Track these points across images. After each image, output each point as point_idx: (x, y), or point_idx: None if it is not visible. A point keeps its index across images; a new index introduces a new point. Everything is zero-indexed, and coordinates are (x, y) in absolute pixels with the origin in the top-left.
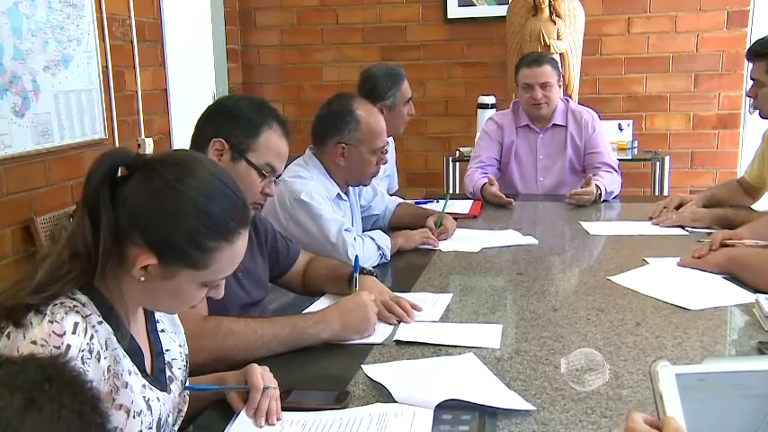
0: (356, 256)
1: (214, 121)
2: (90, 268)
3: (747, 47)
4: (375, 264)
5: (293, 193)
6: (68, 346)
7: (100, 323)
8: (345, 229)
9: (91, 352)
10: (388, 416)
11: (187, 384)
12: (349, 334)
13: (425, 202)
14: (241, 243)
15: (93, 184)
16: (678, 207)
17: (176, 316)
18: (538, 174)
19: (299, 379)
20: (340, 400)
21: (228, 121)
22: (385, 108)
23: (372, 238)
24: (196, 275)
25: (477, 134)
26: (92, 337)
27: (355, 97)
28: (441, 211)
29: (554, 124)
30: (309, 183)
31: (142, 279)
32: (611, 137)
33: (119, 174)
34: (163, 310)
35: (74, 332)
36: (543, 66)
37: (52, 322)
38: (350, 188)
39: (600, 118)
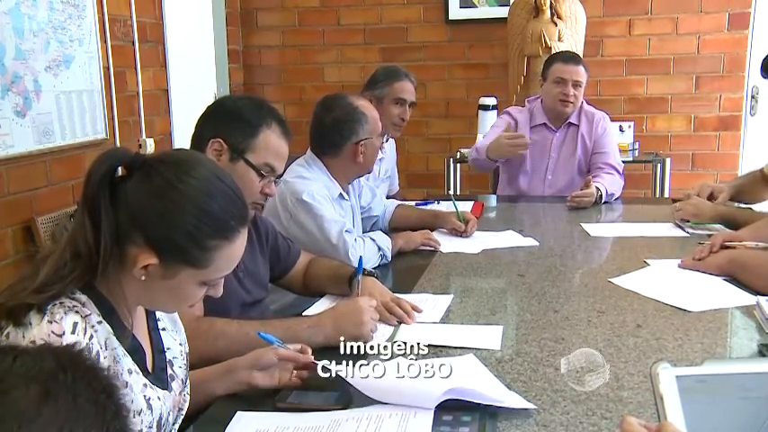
0: (360, 258)
1: (213, 122)
2: (91, 268)
3: (748, 49)
4: (375, 265)
5: (295, 194)
6: None
7: (99, 323)
8: (346, 230)
9: (90, 352)
10: (387, 417)
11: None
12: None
13: (426, 204)
14: (240, 242)
15: (93, 184)
16: (710, 198)
17: (176, 315)
18: (547, 172)
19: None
20: (341, 400)
21: (227, 121)
22: (374, 98)
23: (373, 239)
24: (196, 274)
25: (479, 135)
26: (91, 336)
27: (346, 96)
28: (456, 210)
29: (569, 123)
30: (311, 183)
31: (143, 278)
32: None
33: (118, 173)
34: (162, 309)
35: (73, 332)
36: (579, 65)
37: (51, 322)
38: (350, 188)
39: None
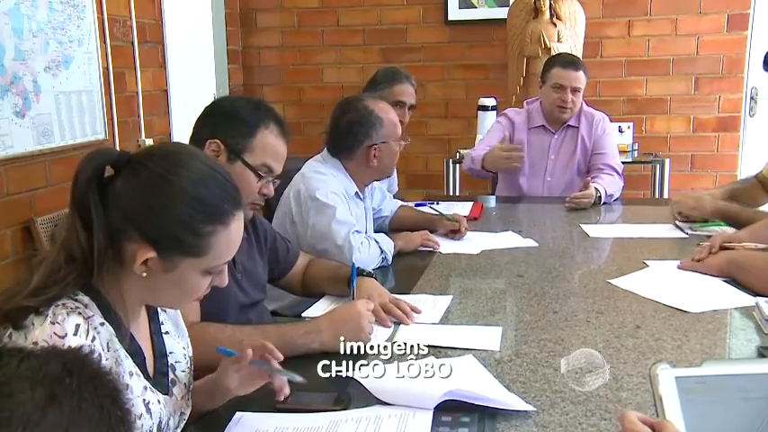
0: (353, 265)
1: (210, 122)
2: (87, 270)
3: (747, 50)
4: (375, 267)
5: (309, 190)
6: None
7: (102, 324)
8: (355, 231)
9: (92, 353)
10: (386, 417)
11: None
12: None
13: (424, 204)
14: (236, 226)
15: (81, 185)
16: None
17: (180, 318)
18: (546, 173)
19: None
20: (339, 401)
21: (224, 121)
22: None
23: (377, 242)
24: (197, 263)
25: (478, 136)
26: (93, 338)
27: (364, 98)
28: (444, 214)
29: (568, 125)
30: (329, 180)
31: (144, 275)
32: None
33: (107, 174)
34: (167, 304)
35: (75, 334)
36: (579, 71)
37: (54, 323)
38: (366, 189)
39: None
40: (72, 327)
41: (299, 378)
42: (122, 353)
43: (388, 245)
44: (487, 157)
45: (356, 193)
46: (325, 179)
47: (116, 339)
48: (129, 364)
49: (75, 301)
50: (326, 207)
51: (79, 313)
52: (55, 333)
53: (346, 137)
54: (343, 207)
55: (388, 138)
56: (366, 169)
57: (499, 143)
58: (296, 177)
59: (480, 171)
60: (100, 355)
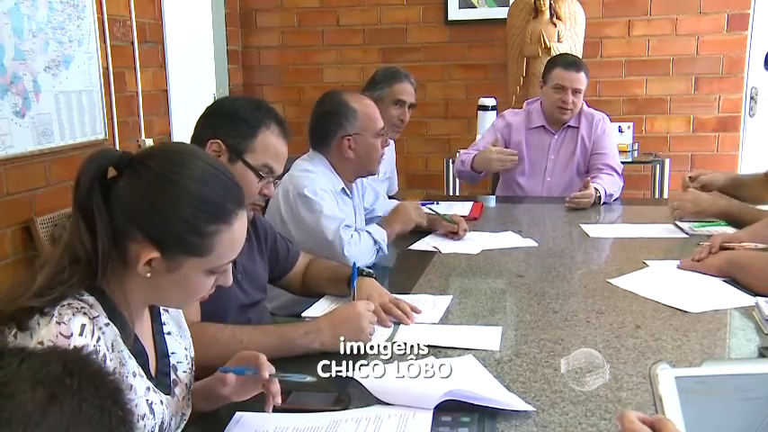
0: (353, 265)
1: (211, 123)
2: (92, 271)
3: (747, 50)
4: (372, 259)
5: (297, 188)
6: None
7: (107, 325)
8: (345, 225)
9: (97, 354)
10: (386, 417)
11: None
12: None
13: (424, 204)
14: (239, 225)
15: (83, 187)
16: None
17: (182, 318)
18: (546, 173)
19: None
20: (339, 401)
21: (225, 121)
22: (373, 99)
23: (369, 233)
24: (200, 263)
25: (478, 136)
26: (98, 339)
27: (343, 92)
28: (441, 214)
29: (568, 125)
30: (316, 178)
31: (148, 275)
32: None
33: (109, 175)
34: (172, 304)
35: (81, 334)
36: (580, 72)
37: (60, 323)
38: (354, 186)
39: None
40: (78, 327)
41: (308, 378)
42: (126, 353)
43: (381, 234)
44: (478, 157)
45: (343, 189)
46: (312, 177)
47: (120, 340)
48: (132, 364)
49: (81, 301)
50: (314, 203)
51: (84, 313)
52: (61, 333)
53: (321, 127)
54: (332, 203)
55: (362, 130)
56: (346, 163)
57: (492, 145)
58: (284, 177)
59: (469, 172)
60: (105, 355)
